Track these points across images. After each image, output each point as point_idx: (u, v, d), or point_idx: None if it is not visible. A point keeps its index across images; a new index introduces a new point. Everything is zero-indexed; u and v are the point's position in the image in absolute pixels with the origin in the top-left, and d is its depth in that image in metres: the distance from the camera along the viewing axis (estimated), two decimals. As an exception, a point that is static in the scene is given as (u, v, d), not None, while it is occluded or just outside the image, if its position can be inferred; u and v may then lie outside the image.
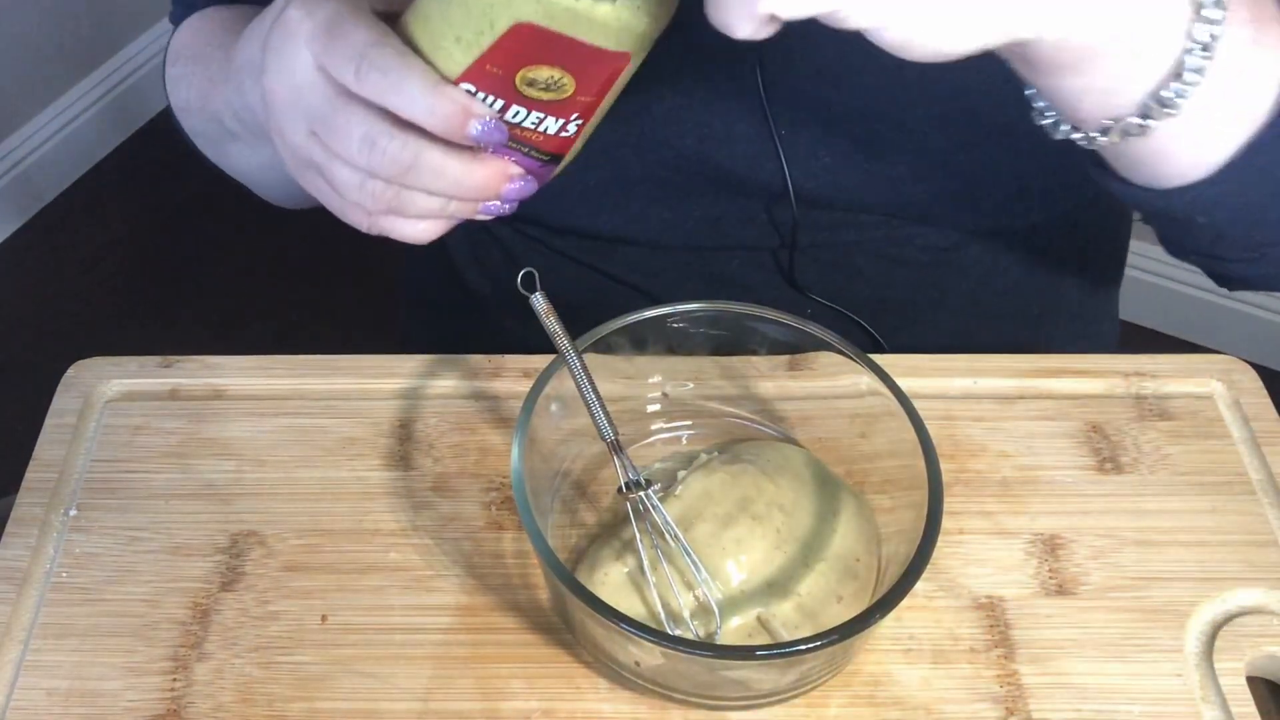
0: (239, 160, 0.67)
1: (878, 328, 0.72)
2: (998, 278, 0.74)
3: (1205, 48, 0.47)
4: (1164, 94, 0.47)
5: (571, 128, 0.48)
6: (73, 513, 0.58)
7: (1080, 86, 0.48)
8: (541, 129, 0.48)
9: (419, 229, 0.51)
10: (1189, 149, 0.51)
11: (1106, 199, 0.72)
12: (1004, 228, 0.72)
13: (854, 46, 0.63)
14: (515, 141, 0.48)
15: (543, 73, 0.45)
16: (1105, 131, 0.50)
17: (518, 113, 0.47)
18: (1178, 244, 0.60)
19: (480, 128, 0.46)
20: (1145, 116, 0.48)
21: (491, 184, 0.49)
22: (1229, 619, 0.54)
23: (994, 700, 0.52)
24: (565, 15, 0.43)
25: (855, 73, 0.62)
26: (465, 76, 0.45)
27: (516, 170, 0.49)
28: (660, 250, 0.71)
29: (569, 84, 0.46)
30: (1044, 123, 0.51)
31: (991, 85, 0.62)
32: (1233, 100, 0.50)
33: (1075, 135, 0.51)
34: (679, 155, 0.66)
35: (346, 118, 0.47)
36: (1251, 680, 0.53)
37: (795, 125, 0.65)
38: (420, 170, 0.47)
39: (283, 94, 0.49)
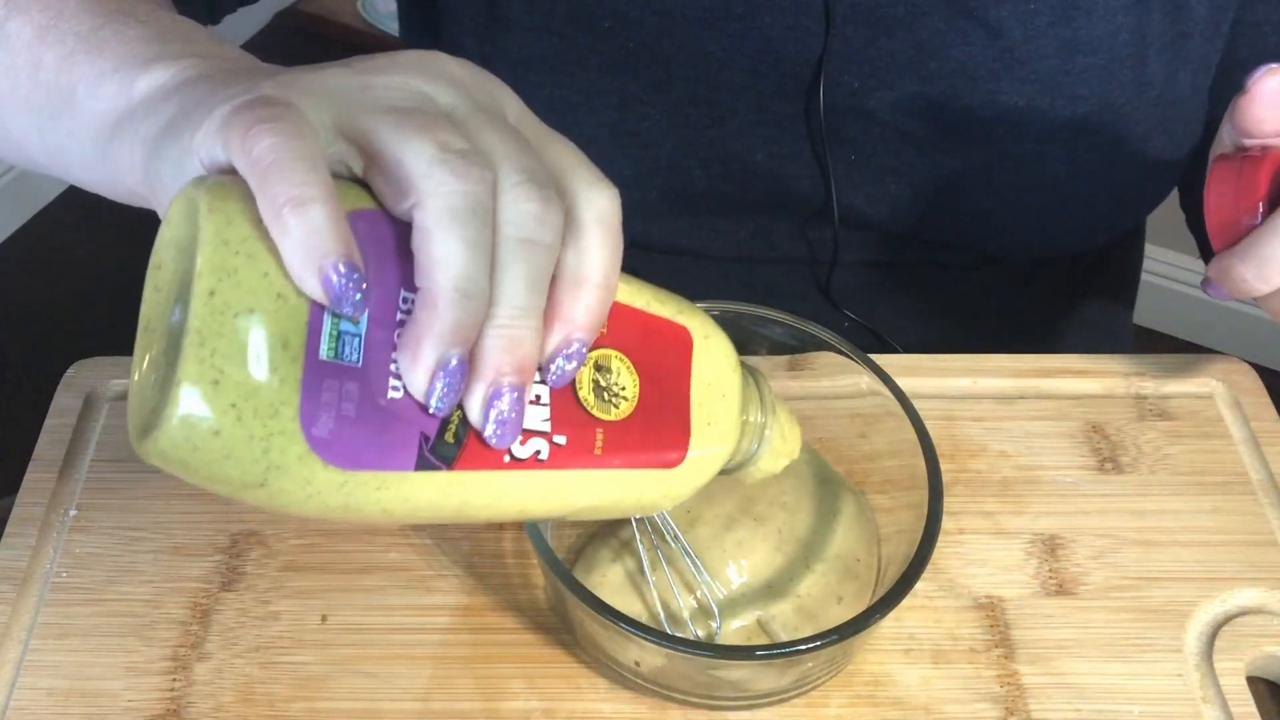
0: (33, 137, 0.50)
1: (908, 340, 0.72)
2: (1029, 295, 0.74)
3: None
4: None
5: (529, 450, 0.38)
6: (73, 513, 0.58)
7: None
8: (535, 422, 0.38)
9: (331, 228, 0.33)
10: None
11: (1137, 228, 0.74)
12: (1047, 255, 0.72)
13: (938, 83, 0.64)
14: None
15: (626, 376, 0.40)
16: None
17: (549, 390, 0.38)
18: None
19: (584, 340, 0.37)
20: None
21: (523, 359, 0.36)
22: (1229, 619, 0.54)
23: (994, 700, 0.52)
24: (724, 376, 0.43)
25: (935, 108, 0.63)
26: None
27: (521, 394, 0.36)
28: (705, 260, 0.71)
29: (618, 411, 0.40)
30: None
31: (1069, 129, 0.63)
32: None
33: None
34: (746, 171, 0.66)
35: (483, 127, 0.36)
36: (1251, 680, 0.53)
37: (865, 151, 0.65)
38: (539, 241, 0.35)
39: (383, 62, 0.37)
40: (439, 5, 0.66)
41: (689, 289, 0.72)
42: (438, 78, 0.37)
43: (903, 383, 0.54)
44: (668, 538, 0.52)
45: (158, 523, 0.58)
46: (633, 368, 0.40)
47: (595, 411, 0.39)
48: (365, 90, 0.36)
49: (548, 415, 0.38)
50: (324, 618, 0.54)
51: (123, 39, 0.45)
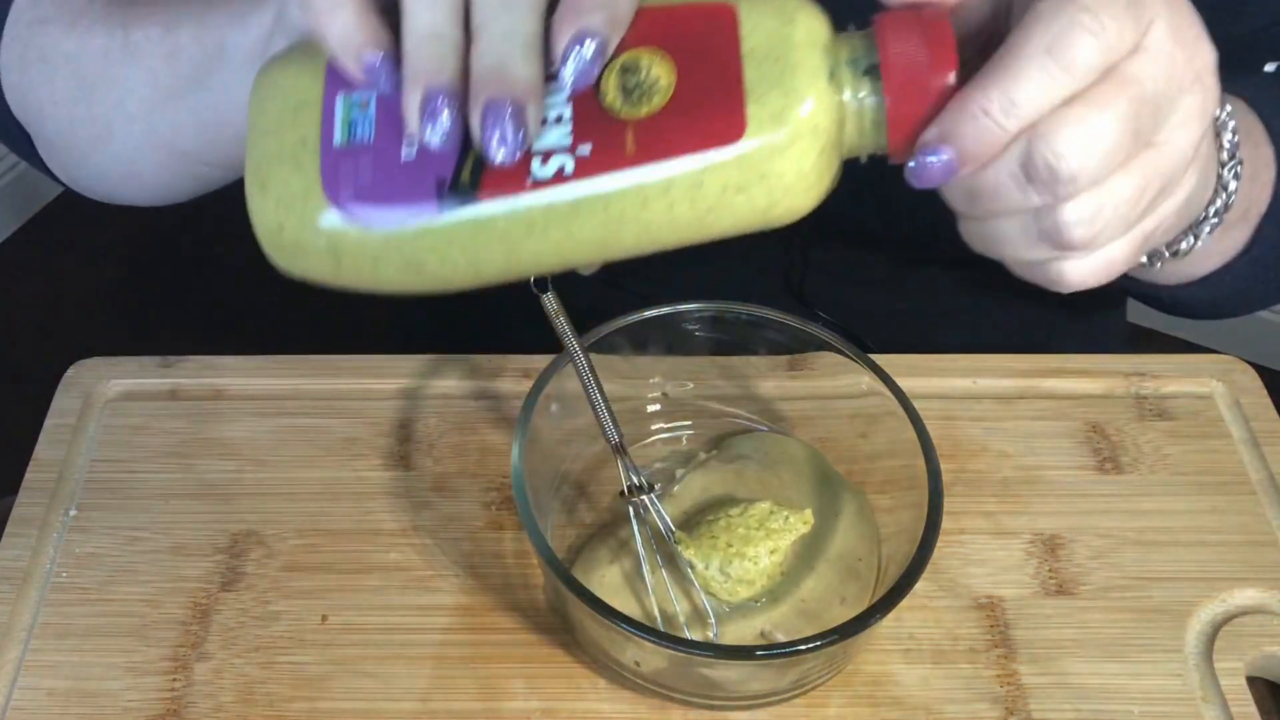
0: (126, 100, 0.57)
1: (883, 340, 0.72)
2: (1006, 294, 0.74)
3: (1232, 155, 0.48)
4: (1210, 211, 0.50)
5: (552, 167, 0.38)
6: (73, 513, 0.58)
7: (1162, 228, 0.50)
8: (555, 140, 0.38)
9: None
10: (1213, 255, 0.54)
11: None
12: None
13: None
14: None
15: (657, 69, 0.37)
16: (1152, 259, 0.52)
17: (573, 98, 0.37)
18: (1149, 302, 0.63)
19: (598, 38, 0.37)
20: (1194, 237, 0.50)
21: (521, 82, 0.37)
22: (1229, 619, 0.54)
23: (994, 700, 0.52)
24: (779, 39, 0.37)
25: None
26: None
27: (525, 114, 0.37)
28: (668, 264, 0.71)
29: (650, 105, 0.37)
30: None
31: None
32: (1246, 200, 0.52)
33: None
34: None
35: None
36: (1251, 680, 0.53)
37: None
38: None
39: None
40: None
41: (659, 295, 0.72)
42: None
43: (903, 383, 0.54)
44: (669, 540, 0.52)
45: (158, 523, 0.58)
46: (666, 58, 0.38)
47: (624, 112, 0.37)
48: None
49: (570, 130, 0.38)
50: (324, 618, 0.54)
51: None
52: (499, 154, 0.37)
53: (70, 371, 0.65)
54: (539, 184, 0.38)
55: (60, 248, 1.89)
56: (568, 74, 0.37)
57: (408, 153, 0.38)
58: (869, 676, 0.52)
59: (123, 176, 0.61)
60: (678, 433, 0.61)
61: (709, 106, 0.37)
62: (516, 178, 0.38)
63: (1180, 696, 0.52)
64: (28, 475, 0.60)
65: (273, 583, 0.56)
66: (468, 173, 0.38)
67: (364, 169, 0.39)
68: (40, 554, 0.57)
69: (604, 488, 0.58)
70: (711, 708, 0.51)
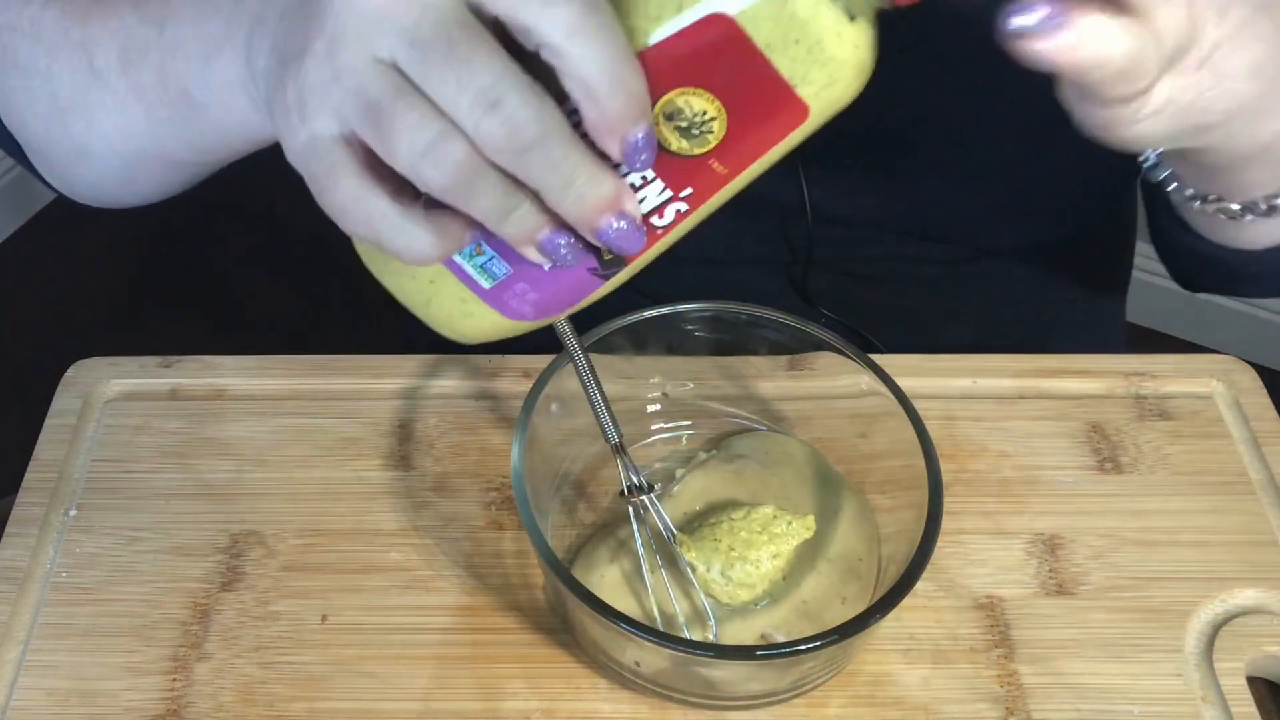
0: (101, 124, 0.55)
1: (887, 338, 0.72)
2: (1007, 290, 0.74)
3: None
4: None
5: (670, 214, 0.41)
6: (73, 513, 0.58)
7: (1262, 178, 0.49)
8: (658, 196, 0.41)
9: (440, 239, 0.40)
10: None
11: (1117, 217, 0.72)
12: (1016, 244, 0.72)
13: (883, 74, 0.65)
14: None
15: (697, 103, 0.39)
16: (1245, 210, 0.52)
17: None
18: (1203, 283, 0.63)
19: (642, 134, 0.38)
20: None
21: (609, 201, 0.39)
22: (1229, 619, 0.54)
23: (994, 700, 0.52)
24: (787, 22, 0.37)
25: (883, 98, 0.63)
26: None
27: (628, 214, 0.40)
28: (676, 262, 0.71)
29: (715, 134, 0.40)
30: (1178, 198, 0.53)
31: (1010, 114, 0.62)
32: None
33: (1226, 212, 0.52)
34: None
35: (471, 53, 0.36)
36: (1251, 680, 0.53)
37: (820, 147, 0.65)
38: (538, 152, 0.37)
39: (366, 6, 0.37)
40: None
41: (663, 292, 0.72)
42: (378, 31, 0.37)
43: (903, 383, 0.54)
44: (668, 541, 0.52)
45: (158, 523, 0.58)
46: (699, 89, 0.39)
47: (696, 151, 0.40)
48: (337, 84, 0.38)
49: (663, 185, 0.41)
50: (324, 618, 0.54)
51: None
52: (629, 250, 0.41)
53: (70, 371, 0.65)
54: (667, 229, 0.42)
55: (60, 248, 1.89)
56: (637, 166, 0.39)
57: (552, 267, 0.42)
58: (869, 676, 0.52)
59: (114, 186, 0.60)
60: (678, 433, 0.61)
61: (768, 110, 0.40)
62: (650, 237, 0.42)
63: (1180, 696, 0.52)
64: (28, 475, 0.60)
65: (273, 583, 0.56)
66: (609, 254, 0.42)
67: (526, 293, 0.43)
68: (40, 554, 0.57)
69: (604, 488, 0.58)
70: (711, 708, 0.51)
